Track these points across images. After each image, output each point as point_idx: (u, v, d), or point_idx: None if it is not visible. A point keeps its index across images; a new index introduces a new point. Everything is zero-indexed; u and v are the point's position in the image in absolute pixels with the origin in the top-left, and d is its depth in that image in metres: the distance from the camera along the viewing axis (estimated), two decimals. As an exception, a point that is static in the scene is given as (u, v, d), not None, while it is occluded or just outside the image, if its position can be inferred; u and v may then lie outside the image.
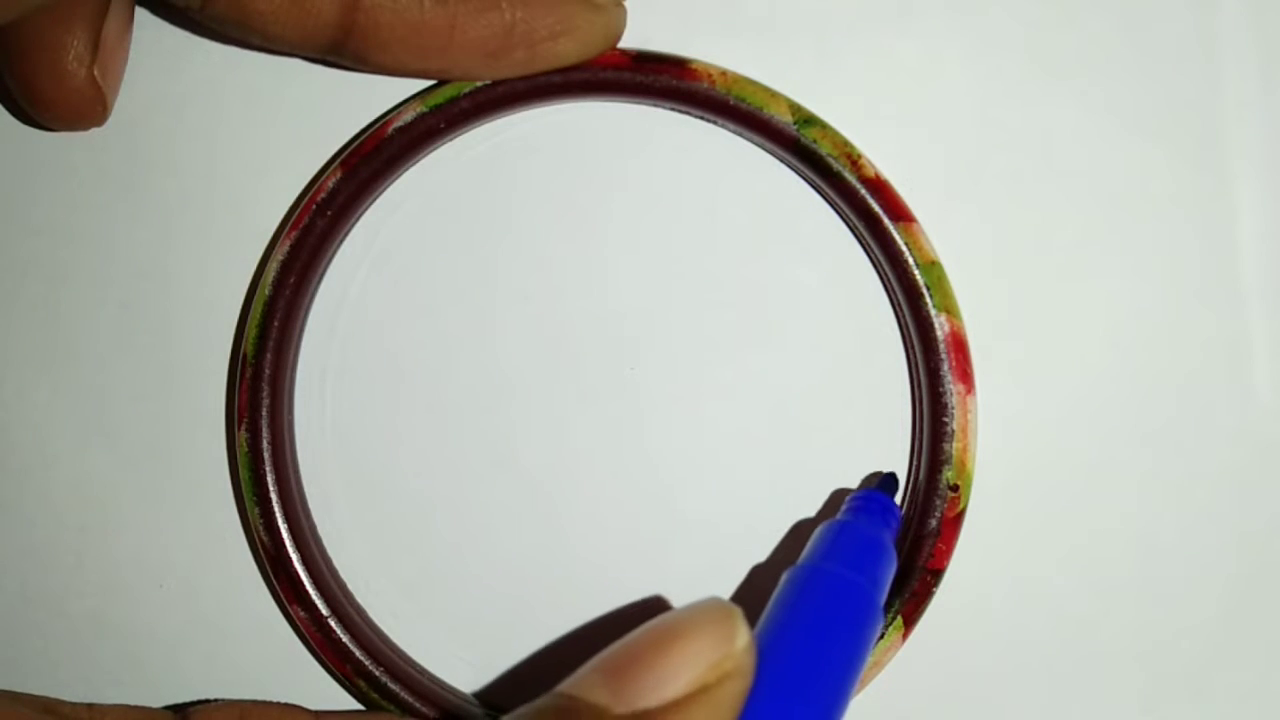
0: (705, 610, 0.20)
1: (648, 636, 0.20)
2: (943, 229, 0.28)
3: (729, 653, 0.20)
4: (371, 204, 0.29)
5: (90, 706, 0.26)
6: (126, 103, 0.29)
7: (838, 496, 0.29)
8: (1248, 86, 0.28)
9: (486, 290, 0.29)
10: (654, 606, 0.29)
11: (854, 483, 0.29)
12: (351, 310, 0.29)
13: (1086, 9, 0.28)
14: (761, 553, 0.29)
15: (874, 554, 0.24)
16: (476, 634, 0.29)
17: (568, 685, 0.20)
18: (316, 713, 0.28)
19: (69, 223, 0.30)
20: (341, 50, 0.26)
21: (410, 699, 0.28)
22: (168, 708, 0.27)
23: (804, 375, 0.29)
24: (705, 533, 0.29)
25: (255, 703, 0.28)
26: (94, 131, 0.29)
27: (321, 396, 0.30)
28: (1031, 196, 0.29)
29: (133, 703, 0.29)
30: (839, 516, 0.26)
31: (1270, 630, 0.29)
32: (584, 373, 0.29)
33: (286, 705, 0.28)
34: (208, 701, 0.29)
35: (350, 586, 0.29)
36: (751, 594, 0.29)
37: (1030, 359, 0.29)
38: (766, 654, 0.21)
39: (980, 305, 0.28)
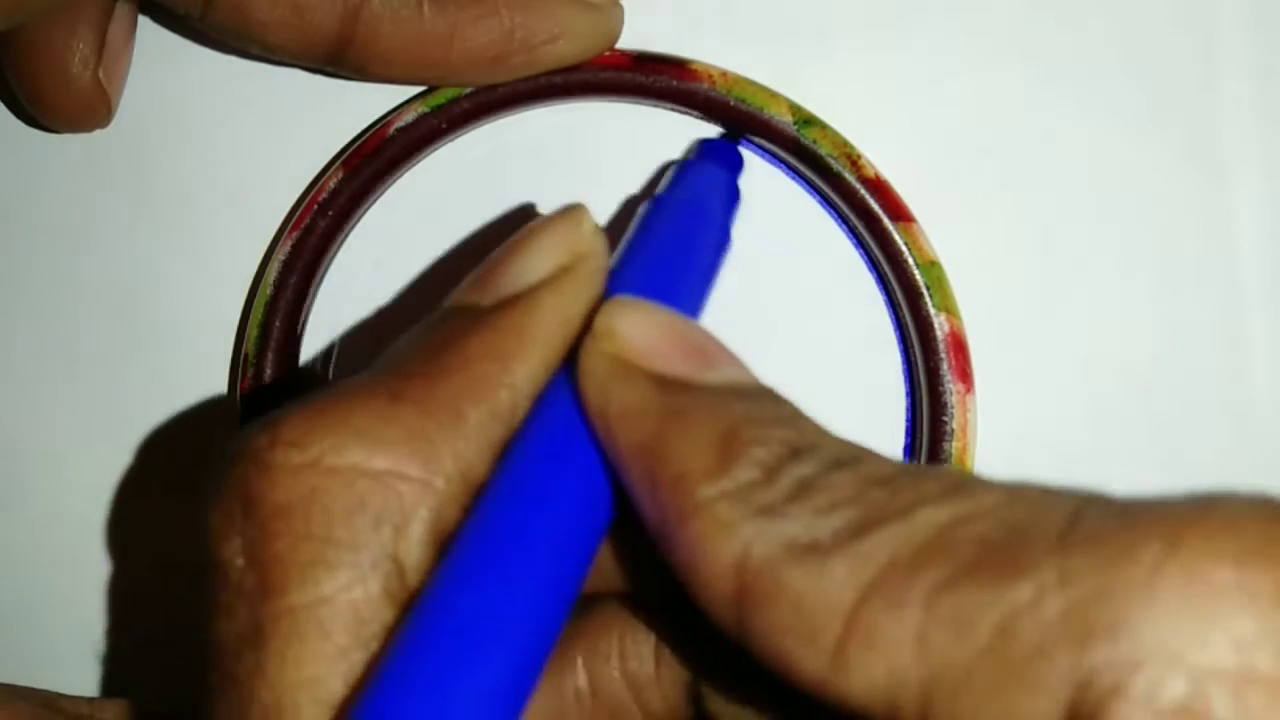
0: (553, 213, 0.22)
1: (507, 244, 0.21)
2: (943, 229, 0.28)
3: (579, 235, 0.21)
4: (373, 204, 0.29)
5: (90, 701, 0.26)
6: (129, 103, 0.29)
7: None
8: (1248, 86, 0.28)
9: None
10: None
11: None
12: (352, 310, 0.29)
13: (1086, 9, 0.28)
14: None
15: (719, 187, 0.25)
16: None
17: (446, 300, 0.21)
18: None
19: (71, 223, 0.30)
20: (341, 60, 0.27)
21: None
22: (167, 707, 0.27)
23: (804, 375, 0.29)
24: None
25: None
26: (97, 133, 0.29)
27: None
28: (1031, 196, 0.29)
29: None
30: (685, 156, 0.26)
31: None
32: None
33: None
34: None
35: (351, 586, 0.29)
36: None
37: (1030, 359, 0.29)
38: (625, 259, 0.23)
39: (980, 305, 0.28)
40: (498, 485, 0.19)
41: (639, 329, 0.20)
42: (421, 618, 0.17)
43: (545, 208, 0.29)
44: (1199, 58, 0.28)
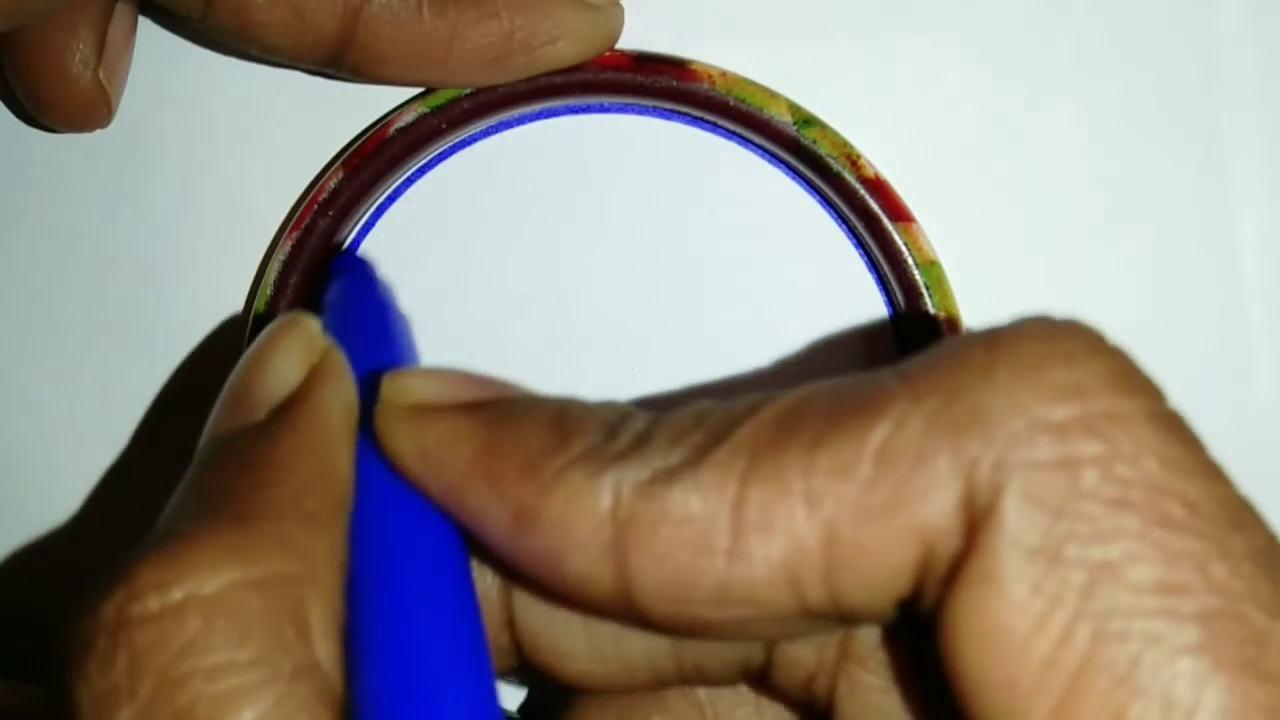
0: (275, 326, 0.22)
1: (244, 364, 0.22)
2: (942, 229, 0.28)
3: (313, 336, 0.22)
4: (373, 204, 0.29)
5: None
6: (130, 103, 0.29)
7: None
8: (1248, 86, 0.28)
9: (487, 290, 0.29)
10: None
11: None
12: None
13: (1086, 9, 0.28)
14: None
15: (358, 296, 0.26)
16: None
17: (205, 437, 0.21)
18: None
19: (71, 223, 0.30)
20: (341, 62, 0.27)
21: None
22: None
23: (803, 375, 0.29)
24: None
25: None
26: (97, 133, 0.29)
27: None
28: (1031, 196, 0.29)
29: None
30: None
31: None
32: (584, 372, 0.29)
33: None
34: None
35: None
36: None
37: (1030, 359, 0.29)
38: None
39: (980, 305, 0.28)
40: (363, 563, 0.19)
41: (428, 381, 0.20)
42: (374, 700, 0.18)
43: (545, 207, 0.29)
44: (1199, 58, 0.28)
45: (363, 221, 0.29)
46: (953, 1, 0.28)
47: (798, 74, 0.28)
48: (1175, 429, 0.17)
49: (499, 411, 0.20)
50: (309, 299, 0.28)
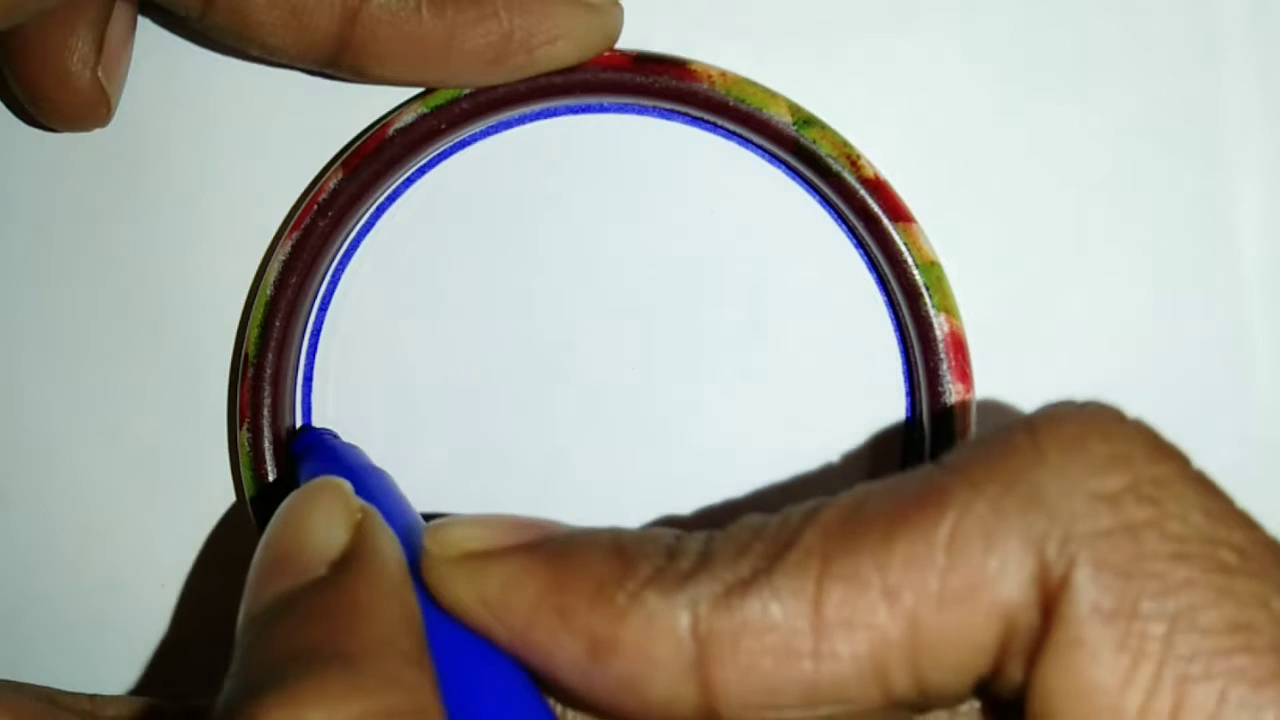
0: (310, 487, 0.22)
1: (287, 520, 0.22)
2: (942, 229, 0.28)
3: (350, 496, 0.22)
4: (373, 205, 0.29)
5: (91, 698, 0.26)
6: (129, 103, 0.29)
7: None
8: (1248, 86, 0.28)
9: (487, 290, 0.29)
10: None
11: (853, 481, 0.29)
12: (353, 310, 0.29)
13: (1086, 9, 0.28)
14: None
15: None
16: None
17: (255, 600, 0.21)
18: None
19: (71, 223, 0.30)
20: (340, 62, 0.27)
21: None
22: (169, 703, 0.27)
23: (803, 375, 0.29)
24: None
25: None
26: (97, 132, 0.29)
27: (323, 396, 0.30)
28: (1031, 196, 0.29)
29: (134, 703, 0.29)
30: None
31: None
32: (585, 372, 0.29)
33: None
34: (211, 697, 0.29)
35: (351, 586, 0.29)
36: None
37: (1030, 359, 0.29)
38: None
39: (980, 305, 0.28)
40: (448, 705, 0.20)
41: (474, 529, 0.21)
42: None
43: (546, 207, 0.29)
44: (1199, 57, 0.28)
45: (363, 221, 0.29)
46: (953, 1, 0.28)
47: (798, 74, 0.28)
48: (1208, 485, 0.18)
49: (555, 548, 0.20)
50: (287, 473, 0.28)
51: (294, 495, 0.22)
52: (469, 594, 0.20)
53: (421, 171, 0.29)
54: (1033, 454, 0.18)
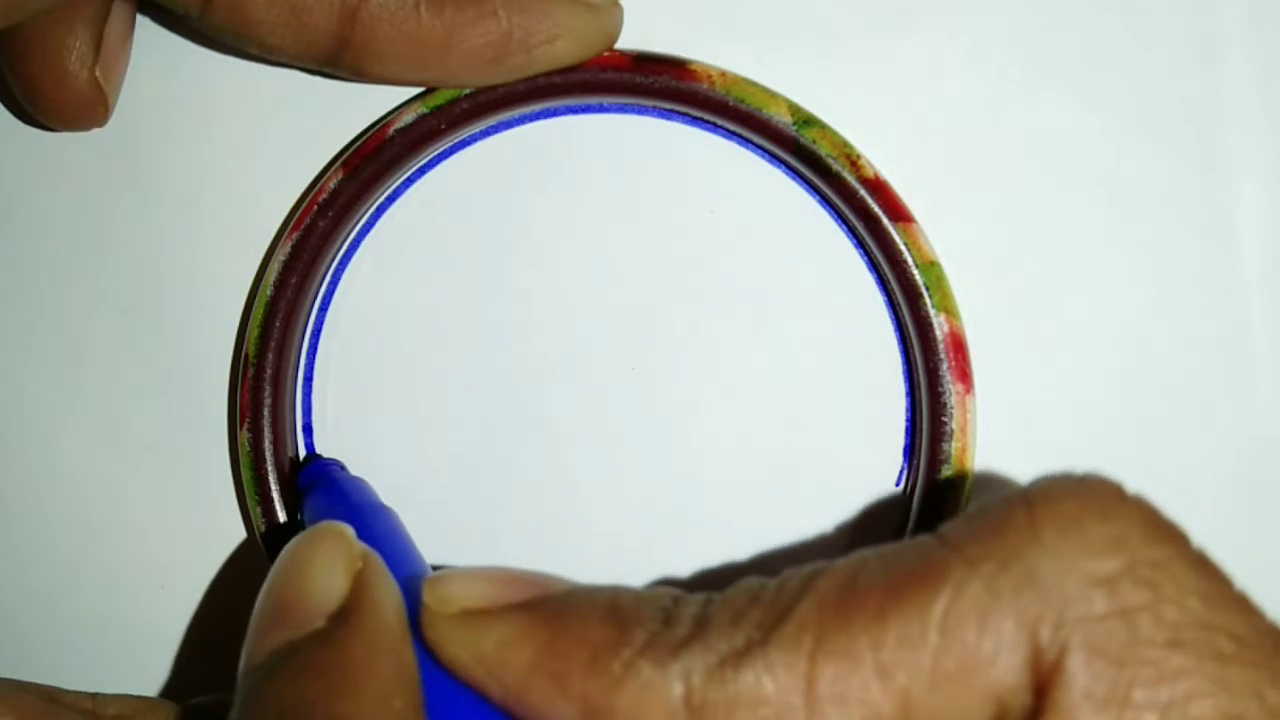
0: (312, 533, 0.22)
1: (286, 569, 0.22)
2: (942, 229, 0.28)
3: (352, 543, 0.22)
4: (373, 205, 0.29)
5: (93, 696, 0.26)
6: (128, 103, 0.29)
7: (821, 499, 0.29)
8: (1248, 86, 0.28)
9: (487, 290, 0.29)
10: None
11: (853, 480, 0.29)
12: (353, 310, 0.29)
13: (1086, 9, 0.28)
14: (761, 552, 0.29)
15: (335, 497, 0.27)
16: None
17: (255, 652, 0.21)
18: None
19: (71, 223, 0.30)
20: (339, 61, 0.27)
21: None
22: (169, 700, 0.27)
23: (803, 375, 0.29)
24: (704, 532, 0.29)
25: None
26: (96, 132, 0.29)
27: (323, 396, 0.30)
28: (1031, 196, 0.29)
29: (134, 702, 0.29)
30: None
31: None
32: (585, 373, 0.29)
33: None
34: (210, 695, 0.29)
35: (351, 586, 0.29)
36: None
37: (1029, 359, 0.29)
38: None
39: (979, 305, 0.28)
40: None
41: (472, 585, 0.21)
42: None
43: (546, 208, 0.29)
44: (1199, 57, 0.28)
45: (363, 222, 0.29)
46: (953, 1, 0.28)
47: (798, 74, 0.28)
48: (1207, 568, 0.18)
49: (553, 609, 0.20)
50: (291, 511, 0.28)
51: (295, 541, 0.22)
52: (465, 652, 0.20)
53: (421, 171, 0.29)
54: (1029, 533, 0.18)
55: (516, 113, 0.28)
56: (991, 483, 0.28)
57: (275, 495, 0.28)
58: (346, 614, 0.21)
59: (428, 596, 0.21)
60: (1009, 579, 0.18)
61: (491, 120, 0.28)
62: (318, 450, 0.29)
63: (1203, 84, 0.28)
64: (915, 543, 0.19)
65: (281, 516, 0.28)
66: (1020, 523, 0.18)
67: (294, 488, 0.28)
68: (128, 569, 0.30)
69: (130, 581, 0.30)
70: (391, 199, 0.29)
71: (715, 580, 0.29)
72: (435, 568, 0.24)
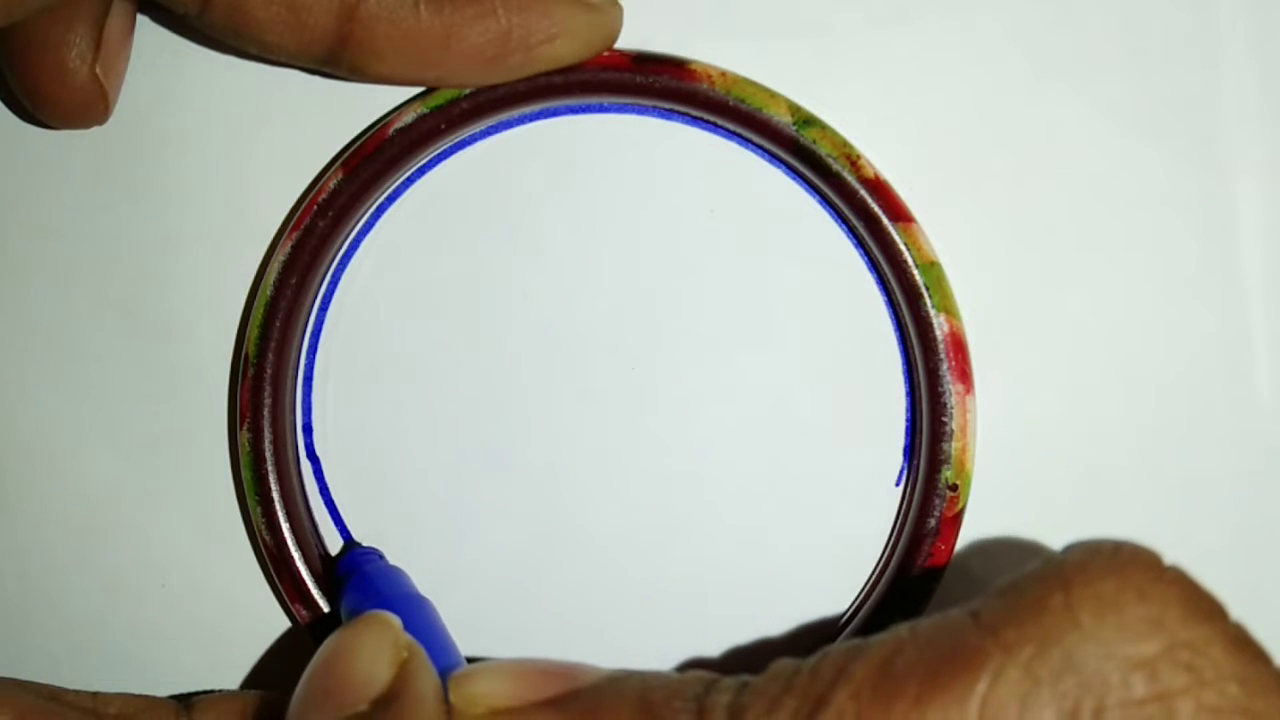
0: (360, 622, 0.23)
1: (333, 653, 0.22)
2: (942, 229, 0.28)
3: (398, 633, 0.22)
4: (373, 205, 0.29)
5: (94, 695, 0.26)
6: (128, 102, 0.29)
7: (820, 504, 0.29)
8: (1248, 86, 0.28)
9: (487, 290, 0.29)
10: (653, 604, 0.29)
11: (853, 480, 0.29)
12: (353, 311, 0.29)
13: (1086, 9, 0.28)
14: (760, 552, 0.29)
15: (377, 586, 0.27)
16: (478, 632, 0.29)
17: None
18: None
19: (70, 223, 0.30)
20: (338, 60, 0.27)
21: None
22: (171, 698, 0.27)
23: (803, 375, 0.29)
24: (704, 532, 0.29)
25: (258, 693, 0.28)
26: (95, 131, 0.29)
27: (323, 396, 0.30)
28: (1031, 196, 0.29)
29: (135, 701, 0.29)
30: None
31: (1271, 630, 0.29)
32: (585, 373, 0.29)
33: (289, 694, 0.28)
34: (210, 692, 0.29)
35: (351, 586, 0.30)
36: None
37: (1029, 359, 0.29)
38: None
39: (979, 305, 0.28)
40: None
41: (499, 683, 0.21)
42: None
43: (546, 208, 0.29)
44: (1199, 57, 0.28)
45: (362, 222, 0.29)
46: (953, 1, 0.28)
47: (798, 73, 0.28)
48: (1246, 648, 0.18)
49: (582, 706, 0.20)
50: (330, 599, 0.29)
51: (345, 627, 0.23)
52: None
53: (421, 171, 0.29)
54: (1066, 615, 0.18)
55: (516, 113, 0.28)
56: (1017, 548, 0.28)
57: (275, 495, 0.28)
58: (389, 700, 0.21)
59: (454, 697, 0.21)
60: (1047, 665, 0.18)
61: (491, 120, 0.28)
62: (317, 450, 0.30)
63: (1203, 84, 0.28)
64: (950, 623, 0.19)
65: (282, 517, 0.28)
66: (1057, 604, 0.18)
67: (331, 574, 0.28)
68: (128, 569, 0.30)
69: (130, 581, 0.30)
70: (391, 199, 0.29)
71: (715, 581, 0.29)
72: (470, 659, 0.24)
